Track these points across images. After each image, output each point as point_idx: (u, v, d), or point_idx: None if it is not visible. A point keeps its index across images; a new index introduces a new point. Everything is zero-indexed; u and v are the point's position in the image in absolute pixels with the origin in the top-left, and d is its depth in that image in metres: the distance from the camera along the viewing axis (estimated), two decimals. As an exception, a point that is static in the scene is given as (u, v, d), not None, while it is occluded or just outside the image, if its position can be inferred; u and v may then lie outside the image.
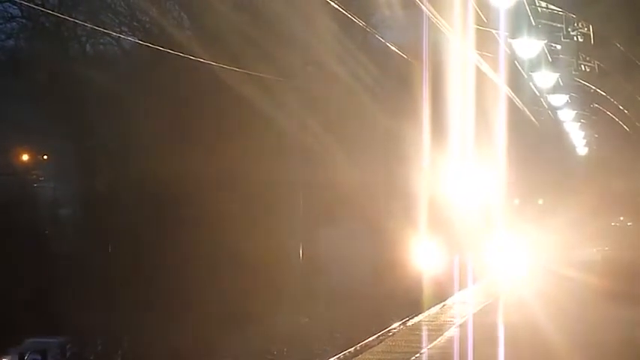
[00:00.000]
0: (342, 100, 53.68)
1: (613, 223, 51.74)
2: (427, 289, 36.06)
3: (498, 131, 39.80)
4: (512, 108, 45.88)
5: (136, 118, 50.63)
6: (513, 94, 41.74)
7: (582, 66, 35.04)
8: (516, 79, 39.88)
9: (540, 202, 75.76)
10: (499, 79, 33.47)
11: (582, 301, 28.80)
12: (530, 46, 26.94)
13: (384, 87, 54.27)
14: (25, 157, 57.03)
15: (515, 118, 49.66)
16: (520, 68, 36.30)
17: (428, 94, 40.73)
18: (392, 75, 54.03)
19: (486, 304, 28.81)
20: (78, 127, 53.11)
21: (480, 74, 35.57)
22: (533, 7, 27.38)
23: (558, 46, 31.29)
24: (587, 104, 46.26)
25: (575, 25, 28.84)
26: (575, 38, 30.25)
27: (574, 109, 45.79)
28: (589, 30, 28.56)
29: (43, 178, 59.40)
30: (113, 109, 51.16)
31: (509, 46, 29.43)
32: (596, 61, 33.02)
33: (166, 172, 49.41)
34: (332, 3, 28.47)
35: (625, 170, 47.79)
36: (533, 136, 61.13)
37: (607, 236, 48.64)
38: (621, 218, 51.43)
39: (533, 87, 39.91)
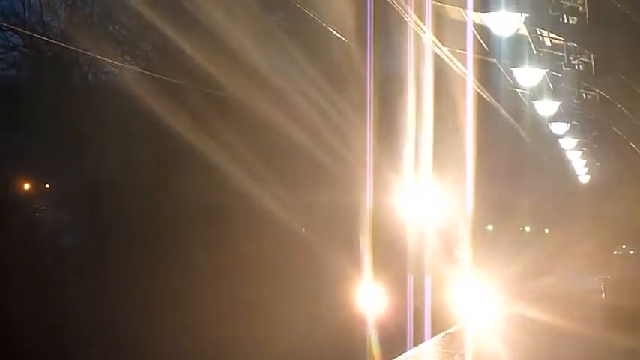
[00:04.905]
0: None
1: (615, 252, 51.48)
2: (372, 343, 30.53)
3: (469, 148, 35.33)
4: (504, 130, 44.14)
5: (138, 147, 50.70)
6: (511, 117, 40.99)
7: (584, 94, 35.11)
8: (517, 105, 39.73)
9: (527, 229, 73.76)
10: (468, 82, 30.26)
11: None
12: (532, 75, 27.11)
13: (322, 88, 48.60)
14: (26, 186, 56.94)
15: (505, 139, 47.96)
16: (522, 96, 36.35)
17: (374, 90, 33.64)
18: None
19: None
20: (80, 156, 53.14)
21: (446, 78, 32.22)
22: (534, 35, 27.49)
23: (560, 75, 31.38)
24: (588, 132, 46.34)
25: (577, 55, 28.94)
26: (576, 67, 30.35)
27: (575, 138, 45.88)
28: (590, 59, 28.64)
29: (44, 208, 59.29)
30: (115, 137, 51.17)
31: (510, 74, 29.47)
32: (597, 90, 33.08)
33: (170, 199, 49.38)
34: None
35: (627, 199, 47.69)
36: (522, 161, 59.83)
37: (609, 265, 48.32)
38: (623, 246, 51.23)
39: (534, 114, 39.87)
